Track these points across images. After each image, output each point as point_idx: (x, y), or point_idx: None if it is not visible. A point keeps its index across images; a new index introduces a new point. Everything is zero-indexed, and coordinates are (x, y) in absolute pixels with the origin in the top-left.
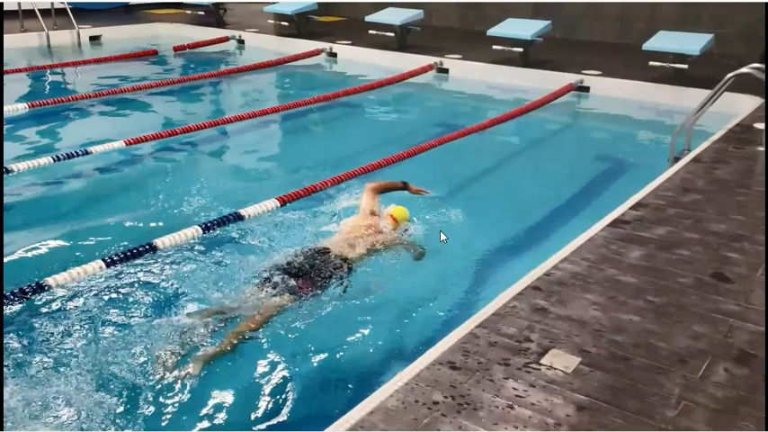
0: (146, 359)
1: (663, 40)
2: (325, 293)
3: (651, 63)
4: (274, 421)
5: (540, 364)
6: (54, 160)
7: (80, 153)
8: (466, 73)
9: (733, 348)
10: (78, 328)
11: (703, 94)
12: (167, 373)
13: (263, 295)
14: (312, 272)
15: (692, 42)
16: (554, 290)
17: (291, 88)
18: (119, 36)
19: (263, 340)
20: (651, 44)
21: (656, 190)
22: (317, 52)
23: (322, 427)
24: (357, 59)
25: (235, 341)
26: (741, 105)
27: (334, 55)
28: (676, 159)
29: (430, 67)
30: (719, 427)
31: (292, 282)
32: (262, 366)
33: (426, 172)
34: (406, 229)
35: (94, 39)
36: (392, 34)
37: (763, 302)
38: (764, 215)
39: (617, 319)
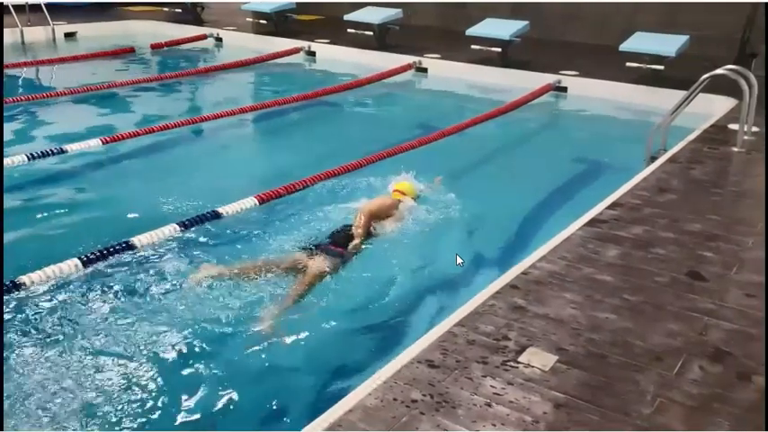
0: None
1: (639, 42)
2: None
3: (628, 64)
4: (251, 420)
5: (518, 362)
6: (29, 159)
7: (55, 151)
8: (444, 72)
9: (708, 346)
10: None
11: (679, 94)
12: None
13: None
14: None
15: (668, 44)
16: (532, 288)
17: (270, 87)
18: (94, 33)
19: (240, 338)
20: (628, 45)
21: (632, 189)
22: (295, 51)
23: (300, 426)
24: (336, 58)
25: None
26: (716, 106)
27: (313, 53)
28: (652, 159)
29: (409, 67)
30: (694, 423)
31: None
32: (238, 364)
33: (405, 172)
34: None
35: (70, 35)
36: (371, 33)
37: (738, 301)
38: (764, 215)
39: (594, 317)
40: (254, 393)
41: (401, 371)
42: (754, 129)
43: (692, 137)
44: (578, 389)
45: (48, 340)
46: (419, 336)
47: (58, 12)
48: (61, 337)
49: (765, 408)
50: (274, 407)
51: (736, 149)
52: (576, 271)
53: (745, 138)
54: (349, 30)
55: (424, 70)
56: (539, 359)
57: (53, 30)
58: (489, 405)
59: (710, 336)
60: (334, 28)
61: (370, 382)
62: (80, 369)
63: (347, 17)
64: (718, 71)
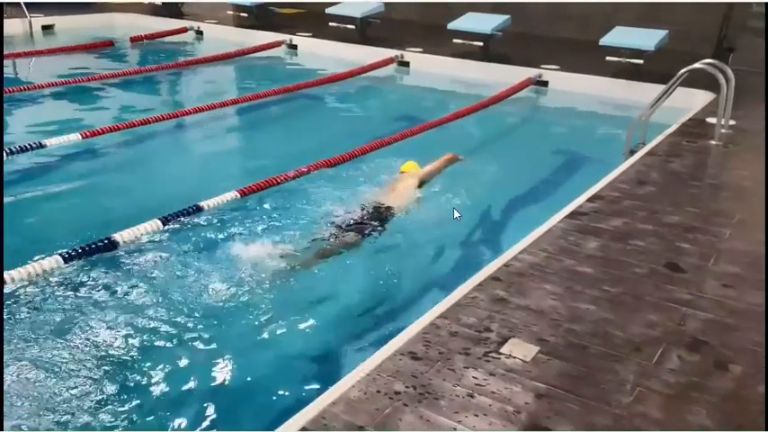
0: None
1: (619, 36)
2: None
3: (608, 58)
4: (231, 414)
5: (500, 354)
6: (7, 154)
7: (34, 146)
8: (426, 66)
9: (686, 336)
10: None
11: (658, 88)
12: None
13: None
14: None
15: (648, 38)
16: (513, 280)
17: (252, 80)
18: (73, 26)
19: (219, 333)
20: (607, 39)
21: (612, 182)
22: (277, 44)
23: (284, 419)
24: (318, 52)
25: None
26: (694, 100)
27: (295, 47)
28: (632, 152)
29: (391, 60)
30: (672, 411)
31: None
32: (218, 358)
33: (386, 165)
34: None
35: (47, 28)
36: (353, 27)
37: (715, 291)
38: (764, 210)
39: (574, 308)
40: (237, 386)
41: (384, 363)
42: (732, 122)
43: (670, 130)
44: (559, 379)
45: (28, 338)
46: (401, 328)
47: (35, 4)
48: (42, 335)
49: (766, 408)
50: (257, 400)
51: (713, 143)
52: (557, 263)
53: (723, 131)
54: (331, 23)
55: (406, 64)
56: (520, 350)
57: (30, 22)
58: (471, 396)
59: (688, 326)
60: (315, 21)
61: (354, 374)
62: (60, 367)
63: (329, 11)
64: (696, 65)
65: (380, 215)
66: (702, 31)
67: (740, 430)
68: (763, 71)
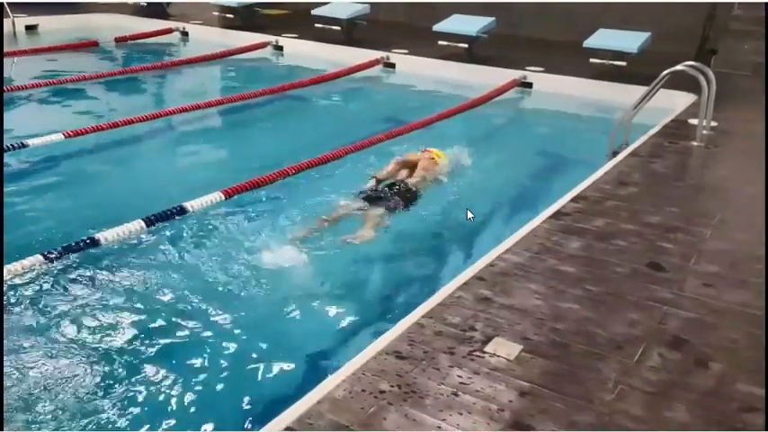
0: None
1: (602, 38)
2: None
3: (592, 60)
4: (216, 413)
5: (484, 352)
6: None
7: (17, 146)
8: (412, 68)
9: (666, 334)
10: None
11: (641, 90)
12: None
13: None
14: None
15: (631, 40)
16: (497, 280)
17: (237, 81)
18: (57, 26)
19: (202, 333)
20: (591, 42)
21: (595, 183)
22: (263, 45)
23: (269, 418)
24: (303, 53)
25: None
26: (676, 101)
27: (281, 48)
28: (615, 153)
29: (377, 62)
30: (653, 408)
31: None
32: (201, 358)
33: (372, 167)
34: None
35: (31, 28)
36: (338, 28)
37: (696, 290)
38: (765, 214)
39: (557, 307)
40: (221, 386)
41: (369, 362)
42: (713, 123)
43: (653, 131)
44: (542, 377)
45: (9, 338)
46: (385, 327)
47: (18, 4)
48: (17, 334)
49: (766, 408)
50: (242, 399)
51: (695, 144)
52: (541, 262)
53: (704, 132)
54: (316, 25)
55: (392, 65)
56: (504, 349)
57: (13, 22)
58: (456, 394)
59: (669, 324)
60: (301, 23)
61: (339, 373)
62: (42, 367)
63: (315, 12)
64: (678, 67)
65: (401, 192)
66: (685, 33)
67: (720, 426)
68: (763, 73)
